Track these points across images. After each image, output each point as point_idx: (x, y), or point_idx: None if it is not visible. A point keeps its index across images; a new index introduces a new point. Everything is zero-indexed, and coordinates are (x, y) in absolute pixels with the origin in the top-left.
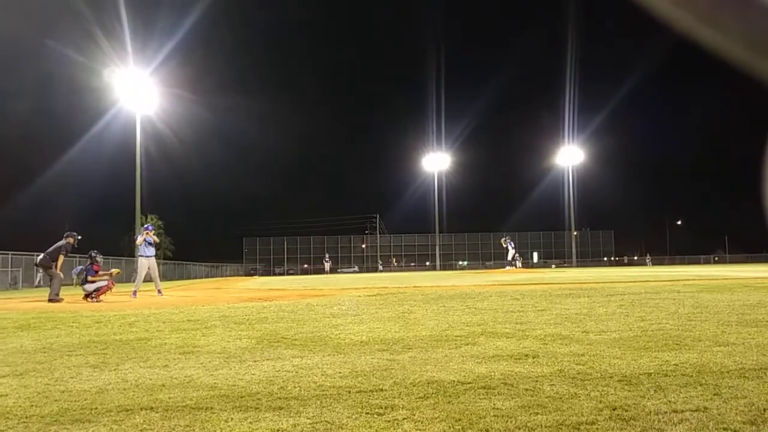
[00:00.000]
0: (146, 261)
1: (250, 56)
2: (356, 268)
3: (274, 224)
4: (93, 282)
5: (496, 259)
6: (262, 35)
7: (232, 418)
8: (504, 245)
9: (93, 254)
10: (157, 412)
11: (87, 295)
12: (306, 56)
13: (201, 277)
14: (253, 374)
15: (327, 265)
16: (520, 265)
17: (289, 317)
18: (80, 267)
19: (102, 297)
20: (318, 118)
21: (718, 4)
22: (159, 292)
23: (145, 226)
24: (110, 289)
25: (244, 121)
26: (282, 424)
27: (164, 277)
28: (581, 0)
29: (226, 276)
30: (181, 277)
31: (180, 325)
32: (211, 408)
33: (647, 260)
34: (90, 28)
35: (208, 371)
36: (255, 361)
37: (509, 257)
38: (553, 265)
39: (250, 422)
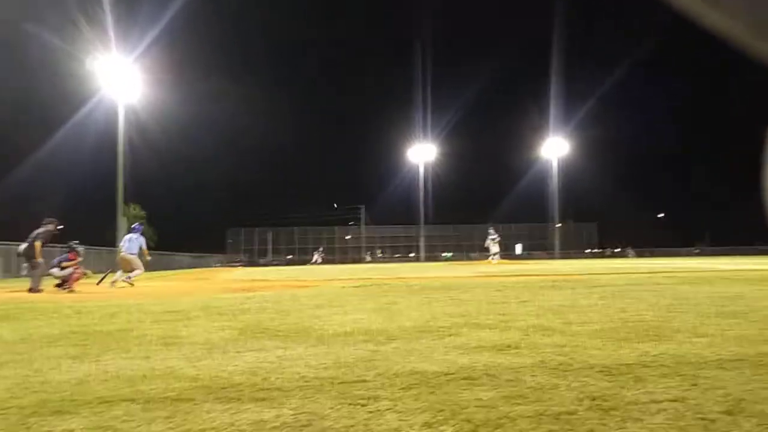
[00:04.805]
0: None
1: (236, 44)
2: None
3: (258, 215)
4: (64, 269)
5: (481, 250)
6: (248, 22)
7: (214, 410)
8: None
9: (73, 245)
10: (137, 404)
11: (59, 284)
12: (291, 45)
13: (184, 268)
14: (236, 365)
15: (319, 257)
16: (498, 258)
17: (272, 308)
18: (64, 255)
19: (75, 286)
20: (303, 109)
21: None
22: (129, 278)
23: (134, 226)
24: (81, 277)
25: (228, 111)
26: (264, 415)
27: (147, 267)
28: None
29: (210, 267)
30: (164, 268)
31: (162, 316)
32: (193, 399)
33: (629, 252)
34: (70, 13)
35: (190, 362)
36: (238, 352)
37: (494, 250)
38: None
39: (232, 413)
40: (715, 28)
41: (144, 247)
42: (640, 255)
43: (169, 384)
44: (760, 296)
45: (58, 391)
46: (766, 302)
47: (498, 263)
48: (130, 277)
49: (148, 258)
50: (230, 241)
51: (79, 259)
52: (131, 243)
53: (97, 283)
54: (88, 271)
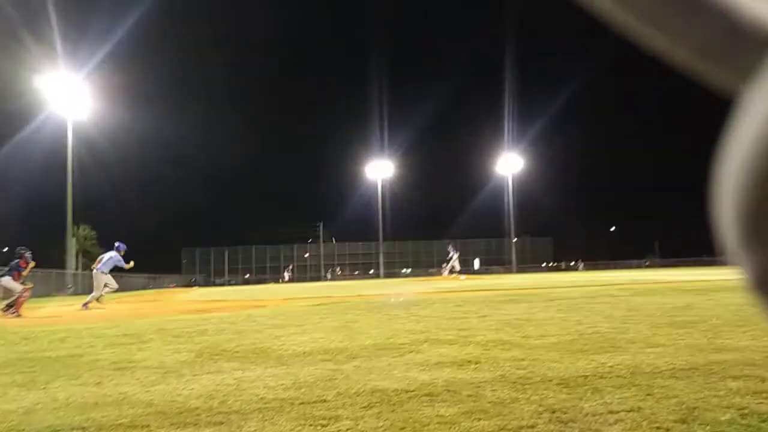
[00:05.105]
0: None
1: (189, 61)
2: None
3: (214, 234)
4: (15, 281)
5: (440, 266)
6: (202, 41)
7: None
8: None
9: (21, 251)
10: None
11: (6, 308)
12: (246, 61)
13: (138, 289)
14: (192, 389)
15: (288, 275)
16: (446, 273)
17: (229, 329)
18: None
19: (21, 310)
20: (259, 126)
21: (665, 6)
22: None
23: (117, 244)
24: (26, 299)
25: (183, 129)
26: None
27: (98, 289)
28: (522, 9)
29: (165, 288)
30: (116, 290)
31: (114, 339)
32: (147, 425)
33: (579, 266)
34: (16, 30)
35: (144, 387)
36: (194, 376)
37: (452, 265)
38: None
39: None
40: (657, 48)
41: (120, 264)
42: (588, 268)
43: (122, 410)
44: (709, 306)
45: (5, 421)
46: (715, 312)
47: (451, 278)
48: (86, 304)
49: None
50: (185, 260)
51: (31, 264)
52: (106, 262)
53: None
54: (30, 285)
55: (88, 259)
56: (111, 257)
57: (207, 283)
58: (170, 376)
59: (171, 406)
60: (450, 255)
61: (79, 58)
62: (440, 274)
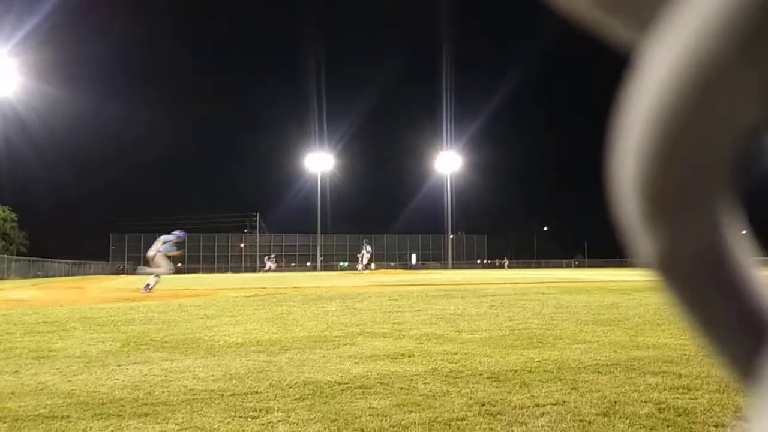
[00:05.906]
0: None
1: (130, 46)
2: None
3: (146, 221)
4: None
5: (377, 260)
6: (141, 24)
7: (91, 427)
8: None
9: None
10: (4, 423)
11: None
12: (181, 47)
13: (61, 276)
14: (117, 379)
15: (271, 264)
16: (361, 268)
17: (158, 318)
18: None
19: None
20: (198, 113)
21: None
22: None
23: (178, 233)
24: None
25: (119, 112)
26: (147, 431)
27: (17, 274)
28: (460, 8)
29: (90, 275)
30: (37, 276)
31: (34, 327)
32: (68, 416)
33: (504, 263)
34: None
35: (65, 377)
36: (119, 366)
37: (365, 261)
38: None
39: (112, 430)
40: (558, 1)
41: (164, 249)
42: (514, 266)
43: (41, 401)
44: (632, 305)
45: None
46: (637, 311)
47: (363, 273)
48: (148, 285)
49: (173, 254)
50: (114, 247)
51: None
52: (163, 245)
53: (147, 290)
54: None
55: (7, 242)
56: (166, 242)
57: (136, 272)
58: (93, 365)
59: (93, 397)
60: (363, 251)
61: (2, 32)
62: (356, 269)
